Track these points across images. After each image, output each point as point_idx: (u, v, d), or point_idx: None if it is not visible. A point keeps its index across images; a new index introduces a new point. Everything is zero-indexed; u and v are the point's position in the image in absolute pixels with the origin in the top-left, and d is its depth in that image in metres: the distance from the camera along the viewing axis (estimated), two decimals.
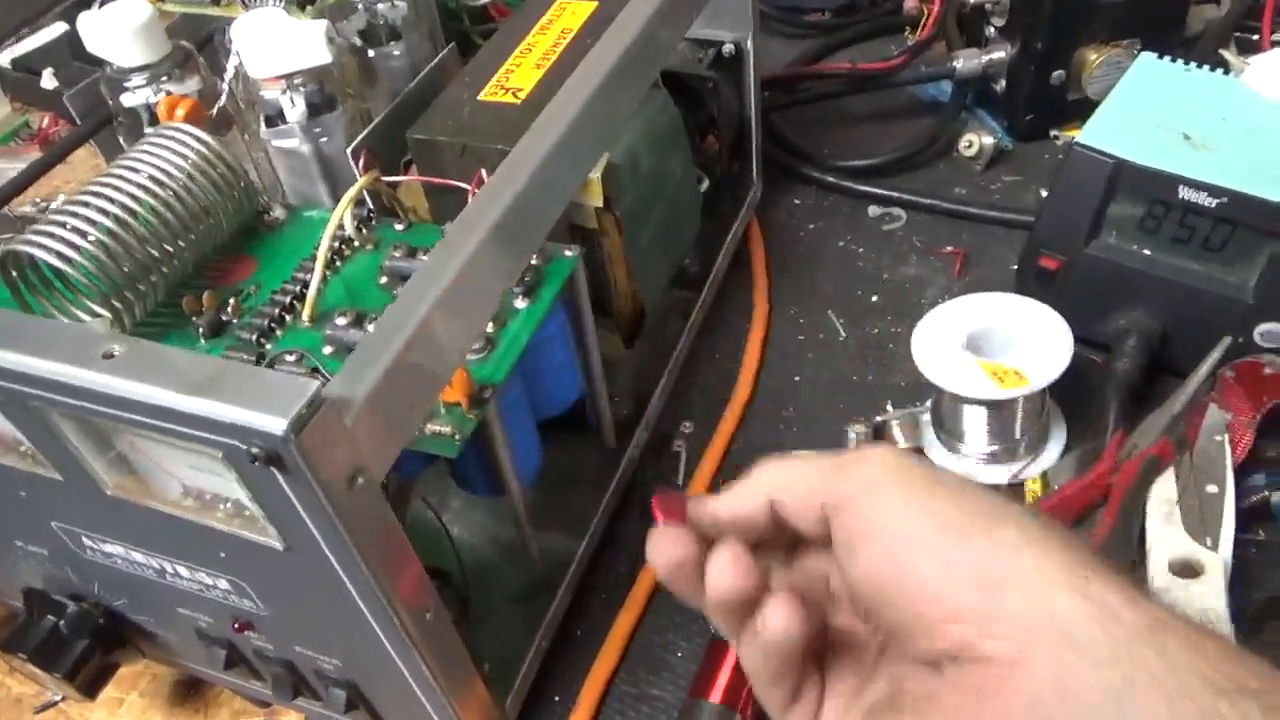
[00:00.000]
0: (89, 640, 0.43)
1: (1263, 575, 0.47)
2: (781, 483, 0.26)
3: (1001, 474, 0.53)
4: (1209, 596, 0.42)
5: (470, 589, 0.47)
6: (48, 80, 0.70)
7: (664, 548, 0.27)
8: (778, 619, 0.25)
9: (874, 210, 0.71)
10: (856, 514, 0.24)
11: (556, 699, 0.47)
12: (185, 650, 0.45)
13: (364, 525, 0.30)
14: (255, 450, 0.26)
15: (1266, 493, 0.48)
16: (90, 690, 0.44)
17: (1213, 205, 0.51)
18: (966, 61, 0.72)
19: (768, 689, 0.26)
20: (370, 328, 0.39)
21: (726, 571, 0.25)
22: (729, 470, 0.56)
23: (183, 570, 0.37)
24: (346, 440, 0.28)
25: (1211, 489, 0.47)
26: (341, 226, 0.45)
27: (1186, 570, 0.44)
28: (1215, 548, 0.44)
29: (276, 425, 0.26)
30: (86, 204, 0.41)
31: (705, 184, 0.60)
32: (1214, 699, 0.20)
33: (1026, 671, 0.21)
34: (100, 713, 0.50)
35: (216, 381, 0.27)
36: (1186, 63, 0.59)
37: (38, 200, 0.71)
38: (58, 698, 0.50)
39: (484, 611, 0.47)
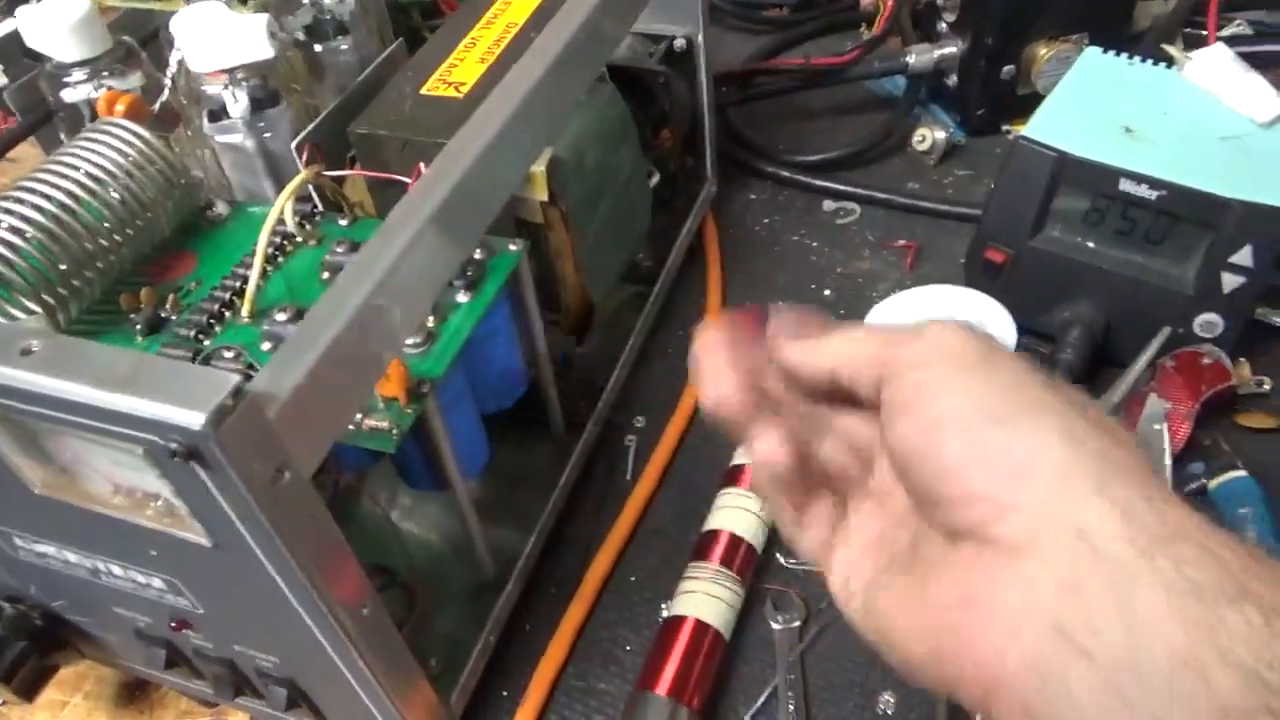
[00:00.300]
0: (26, 642, 0.42)
1: None
2: (848, 353, 0.27)
3: None
4: None
5: (418, 586, 0.47)
6: None
7: (713, 382, 0.28)
8: (762, 446, 0.27)
9: (829, 205, 0.72)
10: (902, 387, 0.25)
11: (504, 694, 0.47)
12: (126, 651, 0.44)
13: (291, 521, 0.30)
14: (174, 446, 0.26)
15: (1204, 480, 0.49)
16: (28, 693, 0.43)
17: (1153, 198, 0.52)
18: (919, 57, 0.73)
19: (769, 496, 0.29)
20: None
21: (774, 452, 0.27)
22: (679, 465, 0.56)
23: (116, 569, 0.36)
24: (270, 435, 0.28)
25: None
26: (283, 222, 0.45)
27: None
28: None
29: (195, 420, 0.26)
30: (20, 200, 0.40)
31: (655, 178, 0.60)
32: (1216, 601, 0.20)
33: (1031, 558, 0.22)
34: (43, 715, 0.49)
35: (136, 377, 0.27)
36: (1130, 57, 0.60)
37: None
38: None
39: (432, 608, 0.47)
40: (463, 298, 0.42)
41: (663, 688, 0.43)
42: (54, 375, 0.27)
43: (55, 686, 0.49)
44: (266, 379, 0.29)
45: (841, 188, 0.71)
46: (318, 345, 0.31)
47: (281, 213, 0.43)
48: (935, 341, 0.25)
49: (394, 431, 0.38)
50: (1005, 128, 0.75)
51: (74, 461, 0.32)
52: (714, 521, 0.50)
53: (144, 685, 0.50)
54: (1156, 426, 0.49)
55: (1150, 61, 0.60)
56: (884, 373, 0.26)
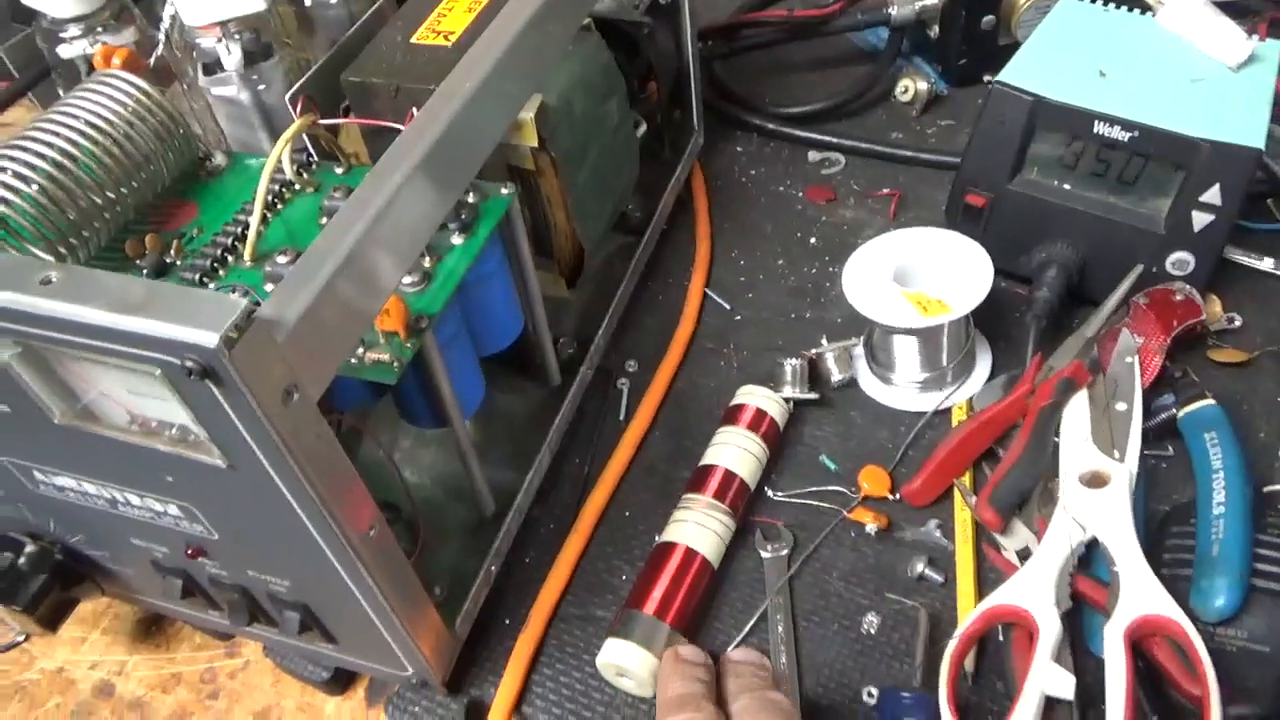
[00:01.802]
0: (47, 576, 0.44)
1: (1170, 487, 0.50)
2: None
3: (930, 401, 0.55)
4: (1113, 503, 0.45)
5: (420, 521, 0.49)
6: None
7: None
8: None
9: (813, 155, 0.73)
10: None
11: (506, 622, 0.49)
12: (143, 584, 0.46)
13: (301, 440, 0.31)
14: (190, 364, 0.28)
15: (1174, 410, 0.51)
16: (51, 624, 0.45)
17: (1126, 139, 0.54)
18: (901, 8, 0.74)
19: None
20: None
21: None
22: (669, 407, 0.58)
23: (133, 498, 0.38)
24: (279, 357, 0.30)
25: (1121, 407, 0.49)
26: (281, 170, 0.46)
27: (1095, 480, 0.46)
28: (1123, 460, 0.47)
29: (209, 339, 0.27)
30: (25, 148, 0.41)
31: (643, 128, 0.62)
32: None
33: None
34: (63, 650, 0.51)
35: (151, 301, 0.28)
36: (1106, 3, 0.61)
37: None
38: (21, 638, 0.51)
39: (435, 543, 0.49)
40: (457, 239, 0.44)
41: (649, 607, 0.45)
42: (74, 301, 0.29)
43: (74, 623, 0.52)
44: (273, 306, 0.31)
45: (826, 138, 0.73)
46: (319, 276, 0.32)
47: (279, 160, 0.44)
48: None
49: (395, 364, 0.39)
50: (986, 78, 0.76)
51: (91, 392, 0.34)
52: (710, 457, 0.52)
53: (160, 620, 0.52)
54: (1128, 359, 0.51)
55: (1125, 7, 0.61)
56: None
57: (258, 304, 0.30)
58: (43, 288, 0.29)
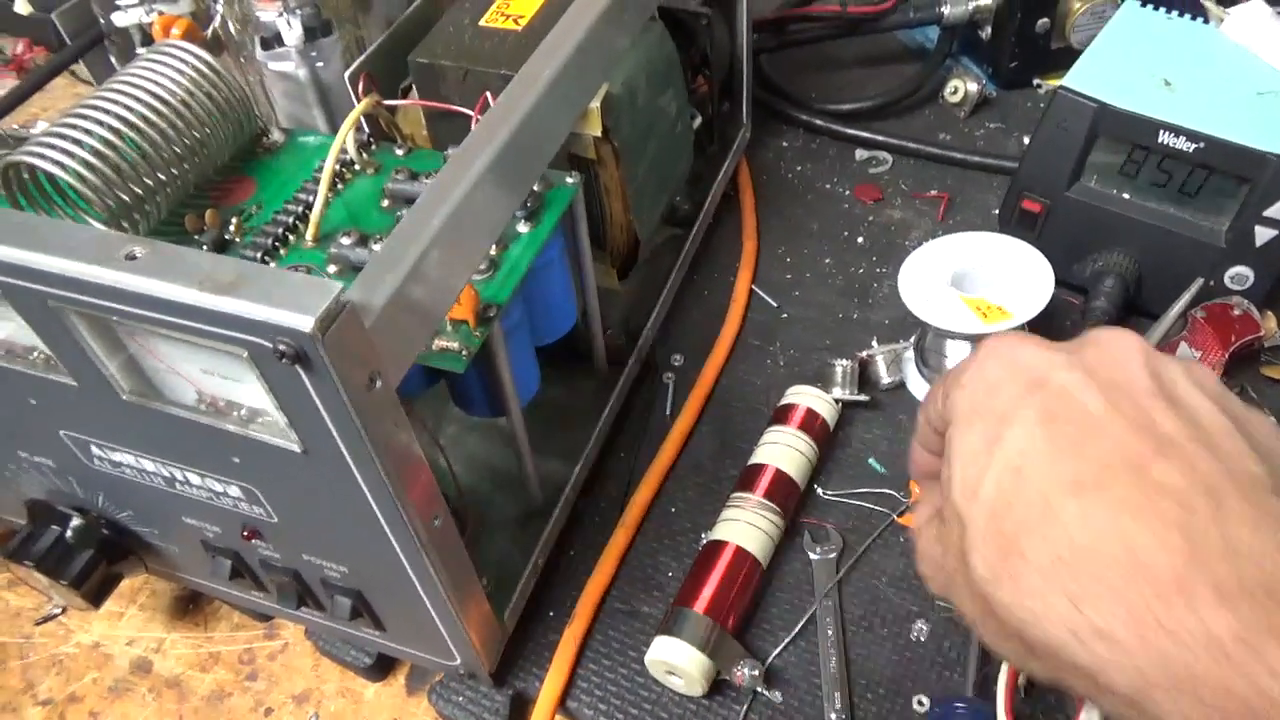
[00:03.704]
0: (94, 550, 0.44)
1: None
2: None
3: None
4: None
5: (468, 511, 0.49)
6: (21, 6, 0.69)
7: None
8: None
9: (860, 154, 0.72)
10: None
11: (551, 614, 0.49)
12: (188, 562, 0.46)
13: (380, 427, 0.31)
14: (283, 348, 0.27)
15: None
16: (96, 599, 0.45)
17: (1190, 150, 0.53)
18: (954, 7, 0.73)
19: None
20: (376, 247, 0.40)
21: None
22: (715, 403, 0.57)
23: (193, 478, 0.37)
24: (366, 343, 0.29)
25: None
26: (345, 150, 0.45)
27: None
28: None
29: (304, 323, 0.27)
30: (90, 117, 0.41)
31: (698, 120, 0.61)
32: None
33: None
34: (100, 625, 0.51)
35: (241, 281, 0.28)
36: (1169, 12, 0.61)
37: (15, 127, 0.70)
38: (58, 610, 0.51)
39: (481, 533, 0.49)
40: (523, 228, 0.43)
41: (700, 605, 0.45)
42: (163, 279, 0.28)
43: (112, 598, 0.51)
44: (360, 293, 0.30)
45: (874, 137, 0.72)
46: (404, 263, 0.32)
47: (344, 140, 0.43)
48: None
49: (463, 353, 0.39)
50: (1037, 81, 0.75)
51: (162, 369, 0.34)
52: (760, 456, 0.51)
53: (198, 599, 0.52)
54: None
55: (1188, 16, 0.60)
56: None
57: (344, 288, 0.29)
58: (128, 263, 0.29)
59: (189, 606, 0.52)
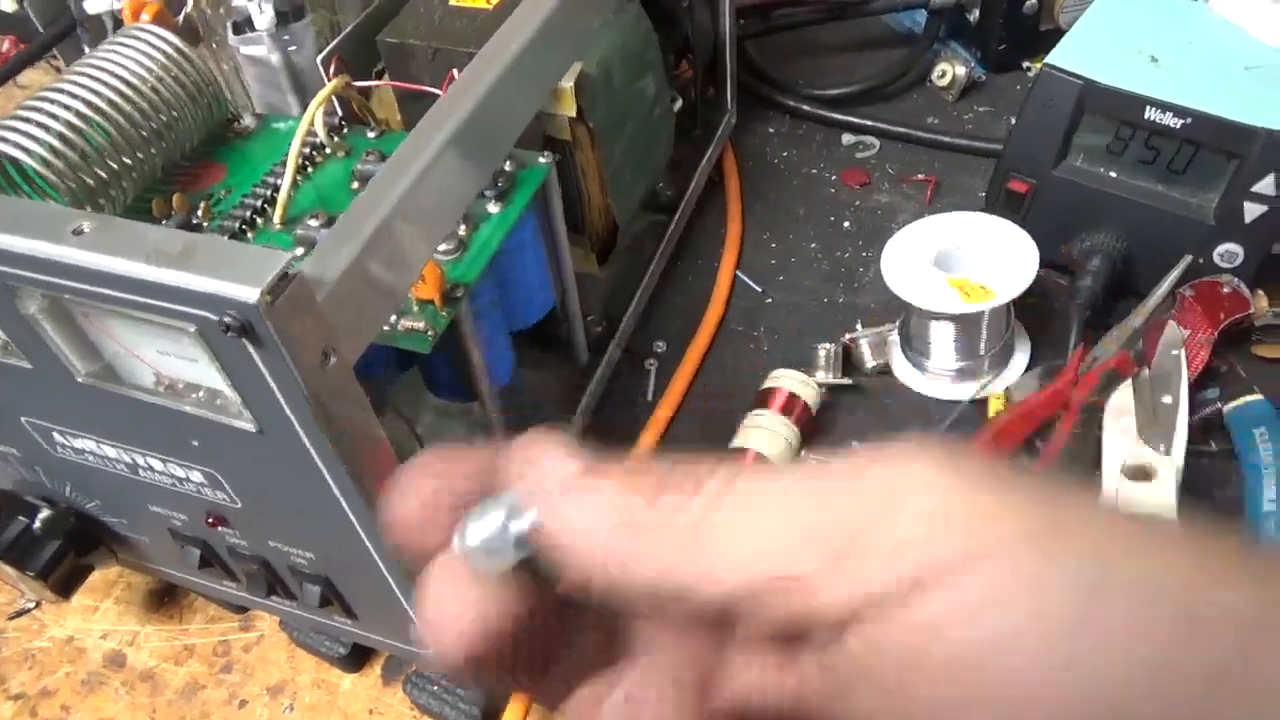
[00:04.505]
0: (62, 541, 0.43)
1: (1214, 483, 0.49)
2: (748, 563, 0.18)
3: (966, 390, 0.54)
4: (1159, 498, 0.44)
5: None
6: (5, 3, 0.69)
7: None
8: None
9: (847, 138, 0.71)
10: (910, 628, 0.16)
11: None
12: (159, 553, 0.45)
13: (336, 405, 0.30)
14: (228, 320, 0.27)
15: (1219, 405, 0.49)
16: (65, 590, 0.44)
17: (1177, 126, 0.52)
18: None
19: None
20: None
21: None
22: (698, 389, 0.57)
23: (155, 463, 0.37)
24: (318, 317, 0.29)
25: (1166, 400, 0.48)
26: (313, 133, 0.45)
27: (1139, 474, 0.45)
28: (1169, 454, 0.46)
29: (249, 294, 0.26)
30: (53, 100, 0.40)
31: (679, 103, 0.60)
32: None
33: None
34: (74, 619, 0.50)
35: (188, 254, 0.27)
36: None
37: None
38: (31, 605, 0.50)
39: None
40: (493, 208, 0.42)
41: None
42: (108, 253, 0.27)
43: (86, 592, 0.51)
44: (313, 265, 0.30)
45: (861, 121, 0.71)
46: (360, 236, 0.31)
47: (312, 122, 0.43)
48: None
49: (429, 332, 0.38)
50: (1026, 64, 0.74)
51: (118, 351, 0.33)
52: (740, 440, 0.50)
53: (173, 591, 0.51)
54: (1174, 352, 0.50)
55: None
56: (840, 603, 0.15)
57: (297, 260, 0.29)
58: (75, 238, 0.28)
59: (164, 599, 0.51)
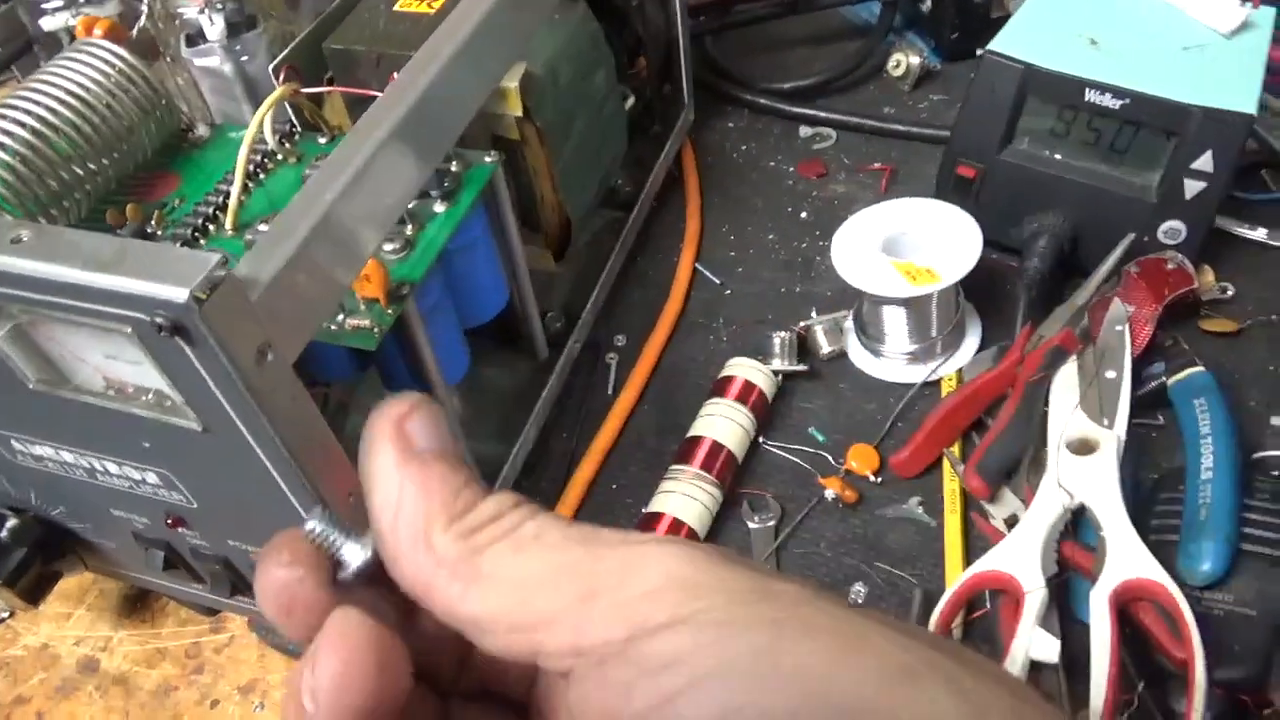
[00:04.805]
0: (28, 549, 0.44)
1: (1160, 456, 0.50)
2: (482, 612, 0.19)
3: (920, 373, 0.55)
4: (1101, 469, 0.45)
5: None
6: None
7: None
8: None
9: (805, 131, 0.72)
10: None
11: None
12: (126, 557, 0.46)
13: (277, 402, 0.31)
14: (160, 320, 0.27)
15: (1164, 379, 0.50)
16: (32, 598, 0.45)
17: (1117, 106, 0.53)
18: None
19: None
20: None
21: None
22: (658, 380, 0.57)
23: (111, 466, 0.38)
24: (253, 315, 0.30)
25: (1110, 375, 0.49)
26: (264, 140, 0.46)
27: (1082, 447, 0.46)
28: (1111, 427, 0.47)
29: (179, 294, 0.27)
30: (3, 116, 0.41)
31: (631, 101, 0.61)
32: None
33: None
34: (48, 626, 0.51)
35: (121, 258, 0.28)
36: None
37: None
38: (5, 614, 0.51)
39: None
40: (440, 208, 0.43)
41: None
42: (44, 260, 0.28)
43: (59, 599, 0.51)
44: (247, 265, 0.31)
45: (816, 114, 0.72)
46: (294, 236, 0.32)
47: (260, 128, 0.44)
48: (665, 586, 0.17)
49: (375, 330, 0.39)
50: (979, 52, 0.75)
51: (67, 357, 0.34)
52: (698, 428, 0.51)
53: (146, 597, 0.52)
54: (1119, 328, 0.51)
55: None
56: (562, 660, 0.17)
57: (226, 262, 0.30)
58: (13, 246, 0.29)
59: (137, 605, 0.52)
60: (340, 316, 0.40)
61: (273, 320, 0.30)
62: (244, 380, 0.30)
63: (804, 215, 0.66)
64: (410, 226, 0.42)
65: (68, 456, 0.38)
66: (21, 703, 0.48)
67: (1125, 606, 0.41)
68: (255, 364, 0.30)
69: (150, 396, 0.34)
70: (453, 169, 0.45)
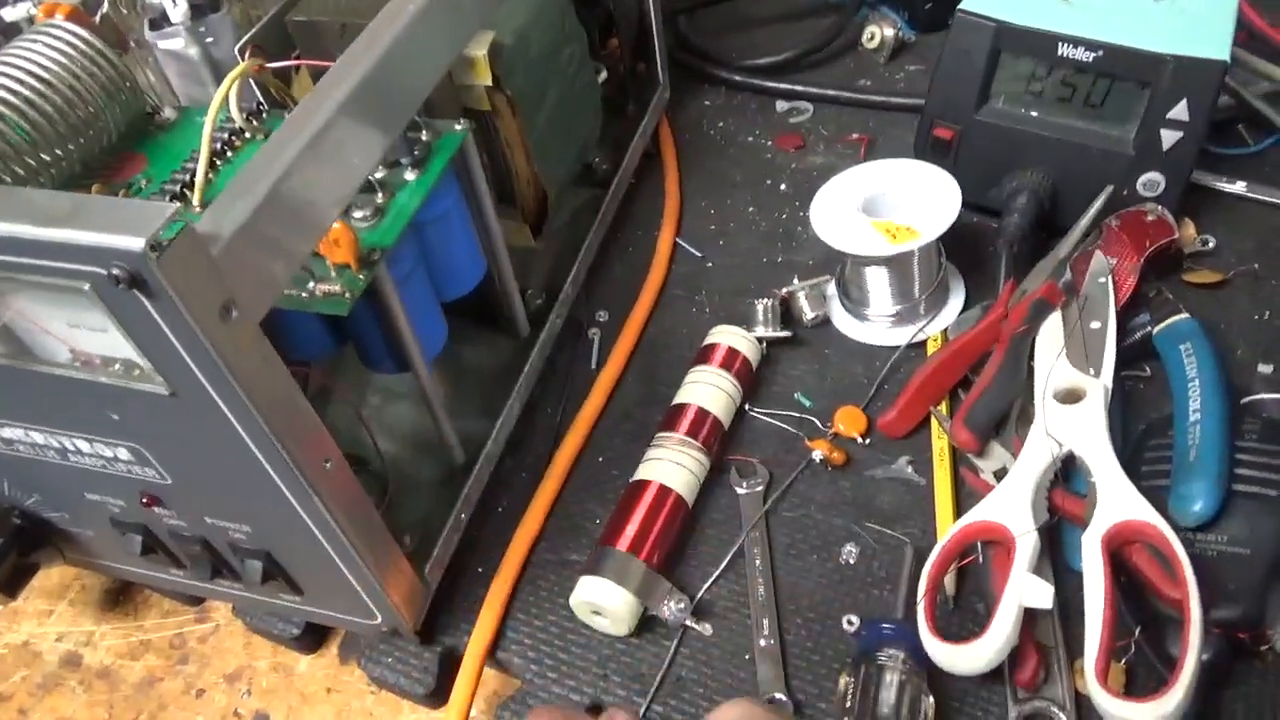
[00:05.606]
0: (5, 541, 0.43)
1: (1148, 407, 0.49)
2: None
3: (904, 334, 0.54)
4: (1089, 417, 0.44)
5: (389, 473, 0.48)
6: None
7: None
8: None
9: (781, 105, 0.72)
10: None
11: (480, 570, 0.48)
12: (104, 546, 0.45)
13: (243, 361, 0.30)
14: (116, 272, 0.27)
15: (1149, 328, 0.50)
16: (9, 589, 0.44)
17: (1090, 60, 0.53)
18: None
19: None
20: None
21: None
22: (642, 353, 0.57)
23: (82, 444, 0.37)
24: (214, 270, 0.29)
25: (1095, 325, 0.49)
26: (231, 119, 0.45)
27: (1069, 397, 0.46)
28: (1098, 376, 0.46)
29: (135, 244, 0.26)
30: None
31: (603, 75, 0.61)
32: None
33: None
34: (29, 624, 0.50)
35: (77, 212, 0.27)
36: None
37: None
38: None
39: (407, 494, 0.48)
40: (410, 175, 0.43)
41: (622, 544, 0.44)
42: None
43: (40, 597, 0.51)
44: (208, 220, 0.30)
45: (792, 88, 0.72)
46: (255, 193, 0.31)
47: (225, 103, 0.43)
48: None
49: (346, 295, 0.38)
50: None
51: (32, 330, 0.33)
52: (682, 396, 0.51)
53: (129, 590, 0.51)
54: (1101, 280, 0.51)
55: None
56: None
57: (184, 208, 0.29)
58: None
59: (119, 598, 0.51)
60: (311, 284, 0.39)
61: (235, 276, 0.30)
62: (208, 337, 0.29)
63: (783, 187, 0.66)
64: (381, 194, 0.42)
65: (38, 437, 0.38)
66: (3, 700, 0.48)
67: (1118, 551, 0.40)
68: (219, 320, 0.29)
69: (118, 366, 0.33)
70: (423, 138, 0.44)
